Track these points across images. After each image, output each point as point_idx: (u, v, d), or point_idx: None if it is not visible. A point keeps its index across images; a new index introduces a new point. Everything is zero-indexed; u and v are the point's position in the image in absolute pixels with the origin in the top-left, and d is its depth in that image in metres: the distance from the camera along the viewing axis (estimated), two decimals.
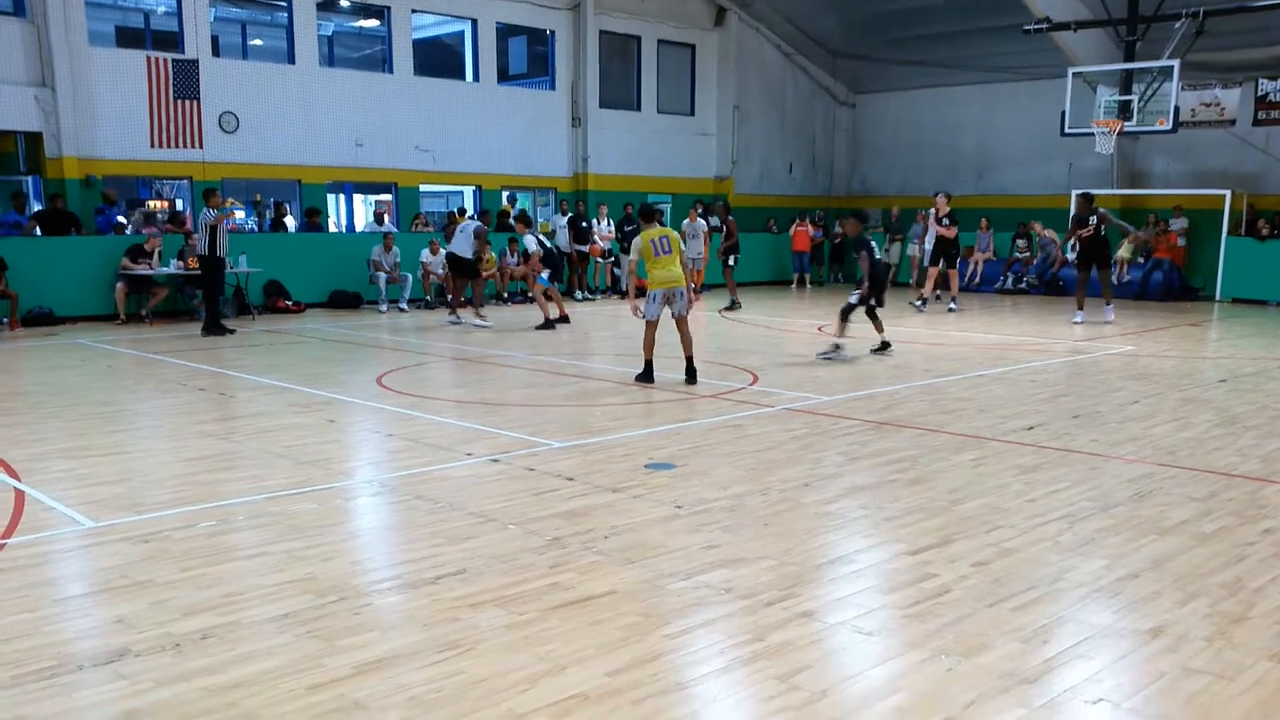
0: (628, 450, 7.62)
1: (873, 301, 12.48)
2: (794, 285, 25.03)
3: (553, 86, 23.15)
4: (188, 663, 3.96)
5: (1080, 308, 16.87)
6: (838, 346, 12.24)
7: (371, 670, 3.91)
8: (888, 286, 13.78)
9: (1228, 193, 20.81)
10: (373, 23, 22.44)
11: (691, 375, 10.54)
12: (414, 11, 20.94)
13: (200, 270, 15.09)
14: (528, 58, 24.28)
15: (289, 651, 4.07)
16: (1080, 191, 17.58)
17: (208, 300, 15.11)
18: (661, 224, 10.95)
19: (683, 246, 10.88)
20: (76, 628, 4.34)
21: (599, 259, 21.97)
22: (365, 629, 4.31)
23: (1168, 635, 4.28)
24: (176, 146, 18.05)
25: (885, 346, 12.71)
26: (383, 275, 18.62)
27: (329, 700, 3.67)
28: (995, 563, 5.17)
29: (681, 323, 10.64)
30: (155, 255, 16.43)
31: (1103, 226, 16.24)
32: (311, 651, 4.07)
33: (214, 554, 5.25)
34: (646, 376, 10.63)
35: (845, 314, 12.42)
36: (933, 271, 18.88)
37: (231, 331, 14.97)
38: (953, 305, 18.59)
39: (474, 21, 21.83)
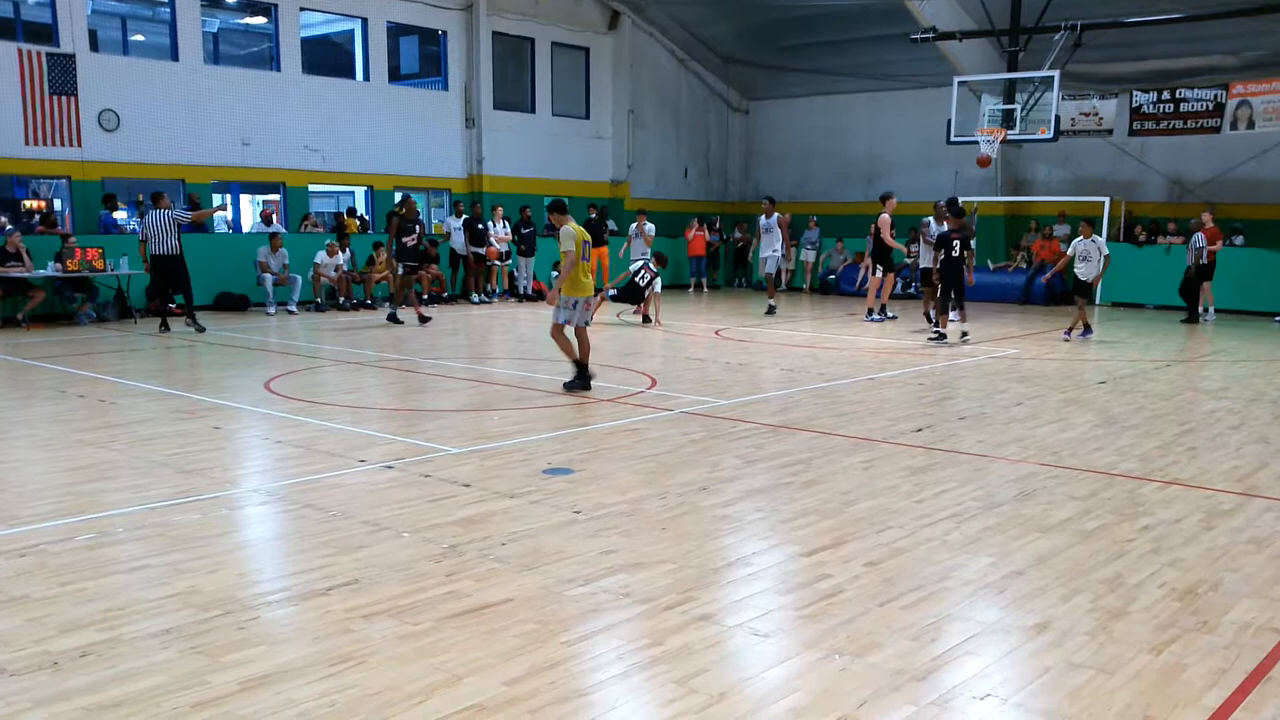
0: (525, 455, 7.56)
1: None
2: (691, 289, 25.20)
3: (445, 87, 22.90)
4: (66, 681, 3.81)
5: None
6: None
7: (259, 686, 3.80)
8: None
9: (1106, 200, 21.61)
10: (260, 20, 21.93)
11: (585, 378, 10.21)
12: (302, 9, 20.51)
13: (166, 270, 15.13)
14: (419, 58, 23.95)
15: (172, 668, 3.93)
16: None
17: (187, 299, 15.46)
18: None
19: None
20: None
21: (495, 261, 21.83)
22: (252, 643, 4.19)
23: (1052, 631, 4.40)
24: (53, 144, 17.38)
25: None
26: (270, 277, 18.19)
27: (214, 718, 3.55)
28: (886, 562, 5.26)
29: (582, 332, 10.27)
30: (25, 256, 15.76)
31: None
32: (195, 668, 3.94)
33: (93, 567, 5.06)
34: (581, 383, 10.20)
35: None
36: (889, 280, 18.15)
37: (203, 329, 15.25)
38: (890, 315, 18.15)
39: (364, 20, 21.50)
